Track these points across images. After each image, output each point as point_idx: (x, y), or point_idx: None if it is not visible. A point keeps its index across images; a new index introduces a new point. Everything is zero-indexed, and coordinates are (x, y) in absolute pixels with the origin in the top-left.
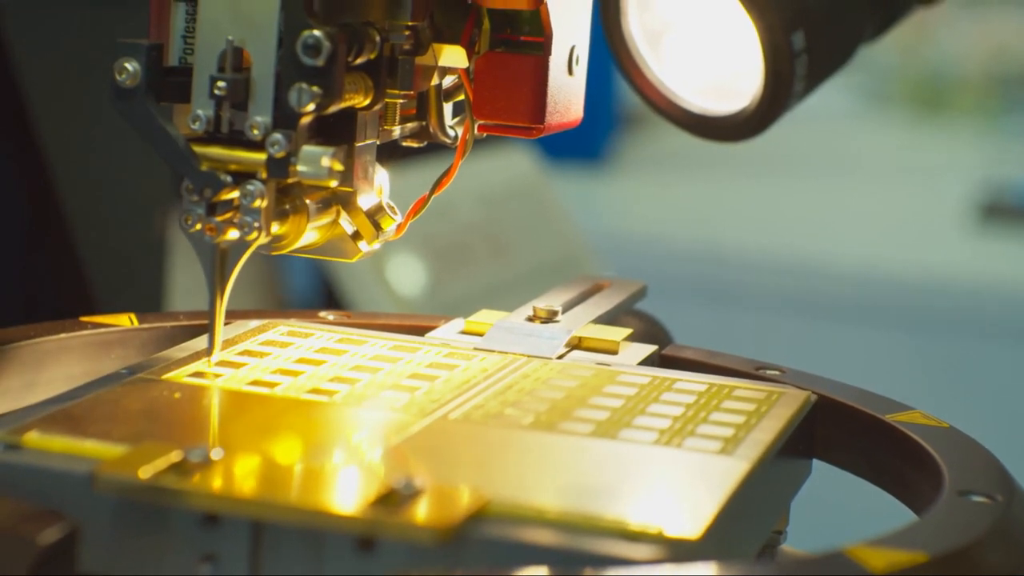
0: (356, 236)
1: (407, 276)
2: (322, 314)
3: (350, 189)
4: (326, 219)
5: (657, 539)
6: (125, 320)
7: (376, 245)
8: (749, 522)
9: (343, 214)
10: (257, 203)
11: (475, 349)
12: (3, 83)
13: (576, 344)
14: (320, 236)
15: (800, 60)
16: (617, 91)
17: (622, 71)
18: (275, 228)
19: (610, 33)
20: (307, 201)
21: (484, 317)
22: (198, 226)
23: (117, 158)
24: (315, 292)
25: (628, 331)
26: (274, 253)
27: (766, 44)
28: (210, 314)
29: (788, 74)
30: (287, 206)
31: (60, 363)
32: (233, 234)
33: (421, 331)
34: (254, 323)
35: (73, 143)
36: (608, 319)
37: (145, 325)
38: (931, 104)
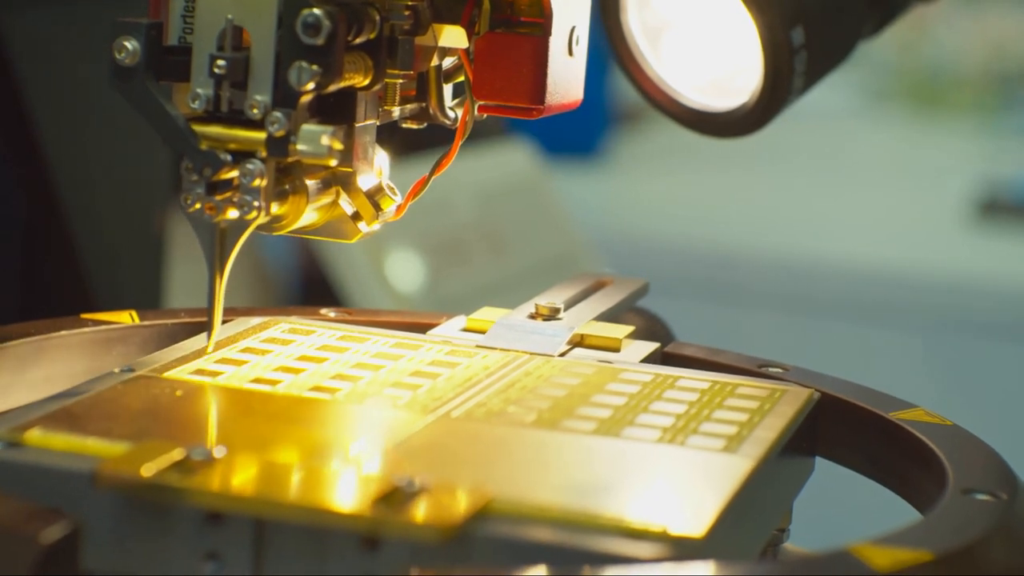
0: (356, 217)
1: (405, 273)
2: (323, 311)
3: (350, 169)
4: (326, 199)
5: (661, 537)
6: (126, 317)
7: (376, 226)
8: (752, 520)
9: (343, 195)
10: (257, 182)
11: (477, 347)
12: (2, 81)
13: (578, 342)
14: (320, 217)
15: (799, 56)
16: (611, 87)
17: (622, 68)
18: (275, 208)
19: (610, 30)
20: (307, 181)
21: (486, 314)
22: (197, 205)
23: (116, 155)
24: (306, 287)
25: (630, 328)
26: (274, 233)
27: (765, 40)
28: (209, 293)
29: (787, 70)
30: (287, 186)
31: (61, 360)
32: (233, 213)
33: (423, 328)
34: (255, 320)
35: (72, 141)
36: (610, 316)
37: (146, 322)
38: (930, 101)
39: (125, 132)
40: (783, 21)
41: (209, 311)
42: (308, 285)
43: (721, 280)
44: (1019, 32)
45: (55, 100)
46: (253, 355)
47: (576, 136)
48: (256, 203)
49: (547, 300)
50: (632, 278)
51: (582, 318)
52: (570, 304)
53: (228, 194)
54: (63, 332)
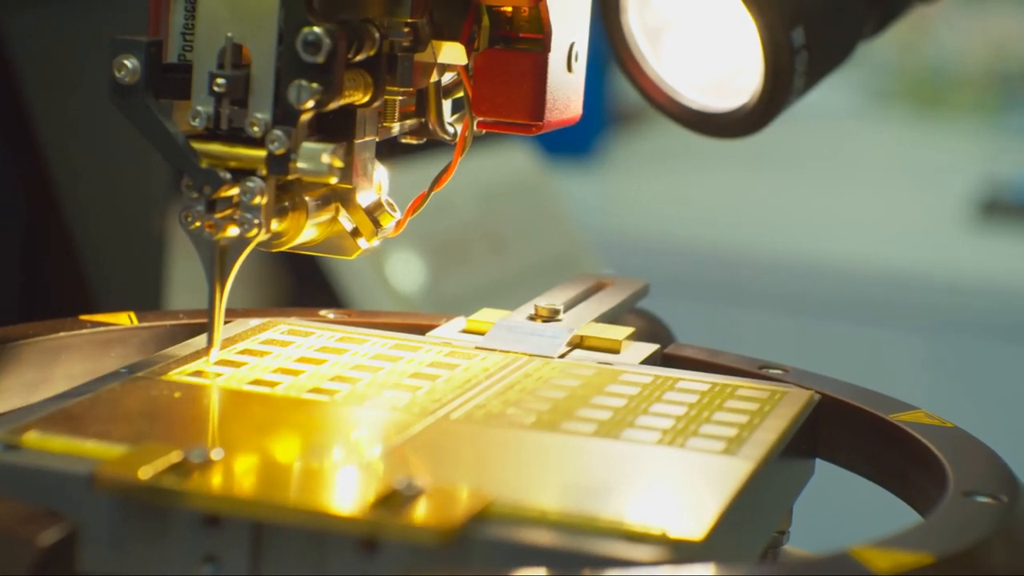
0: (355, 233)
1: (406, 273)
2: (322, 312)
3: (349, 186)
4: (325, 216)
5: (660, 540)
6: (125, 319)
7: (375, 242)
8: (752, 523)
9: (342, 211)
10: (257, 200)
11: (476, 348)
12: (2, 81)
13: (578, 343)
14: (319, 233)
15: (800, 57)
16: (610, 87)
17: (622, 68)
18: (275, 225)
19: (610, 30)
20: (306, 198)
21: (485, 316)
22: (198, 223)
23: (116, 156)
24: (305, 288)
25: (630, 330)
26: (274, 250)
27: (766, 41)
28: (209, 311)
29: (787, 71)
30: (286, 203)
31: (60, 362)
32: (233, 231)
33: (422, 330)
34: (254, 322)
35: (72, 141)
36: (610, 318)
37: (145, 324)
38: (931, 101)
39: (125, 132)
40: (783, 21)
41: (209, 327)
42: (308, 286)
43: (721, 280)
44: (1020, 32)
45: (55, 100)
46: (252, 357)
47: (575, 136)
48: (256, 221)
49: (547, 301)
50: (632, 279)
51: (582, 319)
52: (570, 305)
53: (228, 212)
54: (62, 333)
